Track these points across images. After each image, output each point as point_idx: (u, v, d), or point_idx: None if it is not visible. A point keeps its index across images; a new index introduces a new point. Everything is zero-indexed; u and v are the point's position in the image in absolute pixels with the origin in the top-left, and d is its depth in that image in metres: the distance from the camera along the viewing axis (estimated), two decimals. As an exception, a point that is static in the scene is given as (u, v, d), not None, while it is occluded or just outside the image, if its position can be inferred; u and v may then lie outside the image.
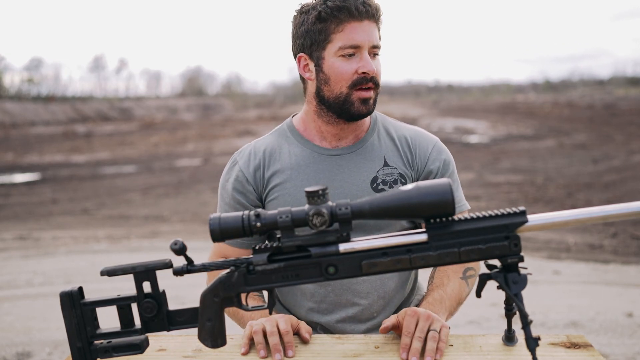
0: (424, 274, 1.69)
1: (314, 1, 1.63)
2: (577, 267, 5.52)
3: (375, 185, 1.66)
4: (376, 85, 1.63)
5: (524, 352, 1.33)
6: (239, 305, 1.30)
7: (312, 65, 1.66)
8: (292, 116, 1.81)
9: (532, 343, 1.17)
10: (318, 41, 1.63)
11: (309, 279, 1.25)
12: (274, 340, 1.39)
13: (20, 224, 8.19)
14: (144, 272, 1.26)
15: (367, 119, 1.75)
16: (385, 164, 1.69)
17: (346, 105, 1.62)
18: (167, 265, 1.27)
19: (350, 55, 1.60)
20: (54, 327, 4.12)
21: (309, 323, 1.71)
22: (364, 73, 1.59)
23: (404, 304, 1.77)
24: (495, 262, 1.24)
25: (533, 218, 1.20)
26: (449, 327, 1.43)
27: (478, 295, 1.26)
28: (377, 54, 1.65)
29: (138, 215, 8.48)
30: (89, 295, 1.31)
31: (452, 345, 1.41)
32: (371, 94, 1.62)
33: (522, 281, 1.20)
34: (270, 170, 1.69)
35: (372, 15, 1.60)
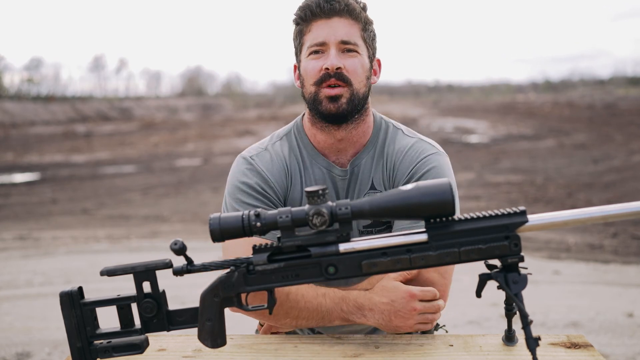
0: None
1: None
2: (577, 267, 5.52)
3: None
4: (345, 82, 1.58)
5: (524, 352, 1.33)
6: (239, 305, 1.30)
7: (299, 72, 1.69)
8: (302, 116, 1.77)
9: (532, 343, 1.16)
10: (297, 47, 1.67)
11: (309, 278, 1.25)
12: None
13: (20, 223, 8.19)
14: (144, 272, 1.27)
15: (368, 131, 1.69)
16: (372, 187, 1.66)
17: (316, 105, 1.61)
18: (167, 265, 1.27)
19: (317, 52, 1.60)
20: (54, 327, 4.12)
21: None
22: (325, 69, 1.57)
23: None
24: (496, 261, 1.24)
25: (533, 218, 1.20)
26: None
27: (478, 295, 1.26)
28: (352, 50, 1.60)
29: (138, 215, 8.49)
30: (89, 295, 1.31)
31: (452, 345, 1.41)
32: (340, 91, 1.58)
33: (522, 281, 1.20)
34: (291, 189, 1.66)
35: (342, 10, 1.58)
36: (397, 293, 1.42)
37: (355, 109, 1.61)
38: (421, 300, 1.44)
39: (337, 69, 1.57)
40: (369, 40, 1.66)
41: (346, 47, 1.59)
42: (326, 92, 1.59)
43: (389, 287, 1.44)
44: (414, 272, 1.43)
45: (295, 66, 1.72)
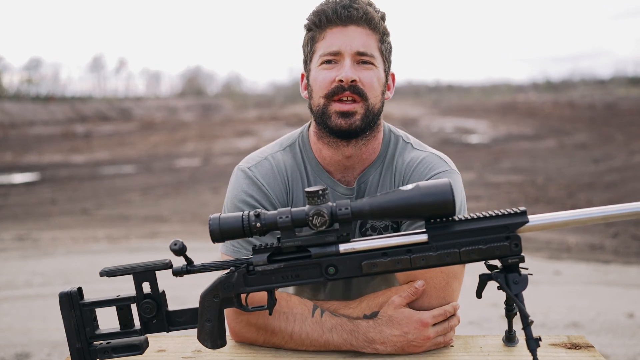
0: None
1: None
2: (577, 268, 5.51)
3: (363, 229, 1.54)
4: (361, 96, 1.46)
5: (525, 353, 1.32)
6: (239, 306, 1.30)
7: (307, 82, 1.57)
8: (308, 126, 1.63)
9: (533, 344, 1.16)
10: (307, 54, 1.56)
11: (309, 279, 1.25)
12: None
13: (19, 224, 8.18)
14: (144, 273, 1.26)
15: (378, 148, 1.57)
16: None
17: (324, 119, 1.48)
18: (167, 265, 1.27)
19: (330, 62, 1.48)
20: (53, 328, 4.11)
21: None
22: (339, 81, 1.45)
23: None
24: (496, 262, 1.24)
25: (534, 218, 1.20)
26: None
27: (478, 295, 1.26)
28: (369, 63, 1.48)
29: (137, 216, 8.48)
30: (89, 296, 1.31)
31: (452, 346, 1.41)
32: (352, 107, 1.46)
33: (523, 281, 1.19)
34: (292, 206, 1.56)
35: (360, 19, 1.47)
36: (409, 324, 1.35)
37: (368, 125, 1.49)
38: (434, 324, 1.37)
39: (352, 81, 1.44)
40: (386, 52, 1.54)
41: (362, 59, 1.47)
42: (337, 107, 1.46)
43: (399, 318, 1.36)
44: (419, 291, 1.37)
45: (302, 75, 1.60)
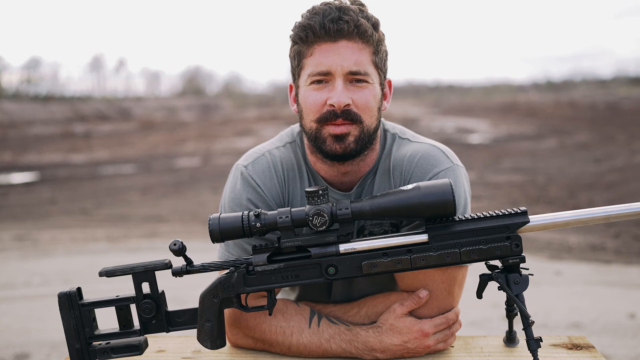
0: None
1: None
2: (579, 268, 5.50)
3: (362, 236, 1.48)
4: (355, 121, 1.37)
5: (526, 353, 1.32)
6: (239, 306, 1.30)
7: (296, 97, 1.48)
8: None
9: (534, 344, 1.16)
10: (295, 67, 1.45)
11: (309, 279, 1.25)
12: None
13: (19, 224, 8.17)
14: (143, 273, 1.26)
15: (374, 156, 1.51)
16: None
17: (318, 143, 1.40)
18: (166, 265, 1.27)
19: (321, 82, 1.38)
20: (52, 328, 4.10)
21: None
22: (330, 105, 1.36)
23: None
24: (497, 262, 1.24)
25: (535, 218, 1.20)
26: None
27: (479, 296, 1.26)
28: (363, 81, 1.38)
29: (137, 216, 8.47)
30: (88, 296, 1.31)
31: (452, 347, 1.41)
32: (347, 128, 1.37)
33: (524, 282, 1.19)
34: (289, 205, 1.52)
35: (351, 33, 1.35)
36: (410, 334, 1.34)
37: (364, 147, 1.42)
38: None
39: (345, 105, 1.36)
40: (381, 64, 1.43)
41: (355, 78, 1.37)
42: (330, 129, 1.38)
43: (400, 327, 1.34)
44: (422, 301, 1.35)
45: (291, 86, 1.51)
